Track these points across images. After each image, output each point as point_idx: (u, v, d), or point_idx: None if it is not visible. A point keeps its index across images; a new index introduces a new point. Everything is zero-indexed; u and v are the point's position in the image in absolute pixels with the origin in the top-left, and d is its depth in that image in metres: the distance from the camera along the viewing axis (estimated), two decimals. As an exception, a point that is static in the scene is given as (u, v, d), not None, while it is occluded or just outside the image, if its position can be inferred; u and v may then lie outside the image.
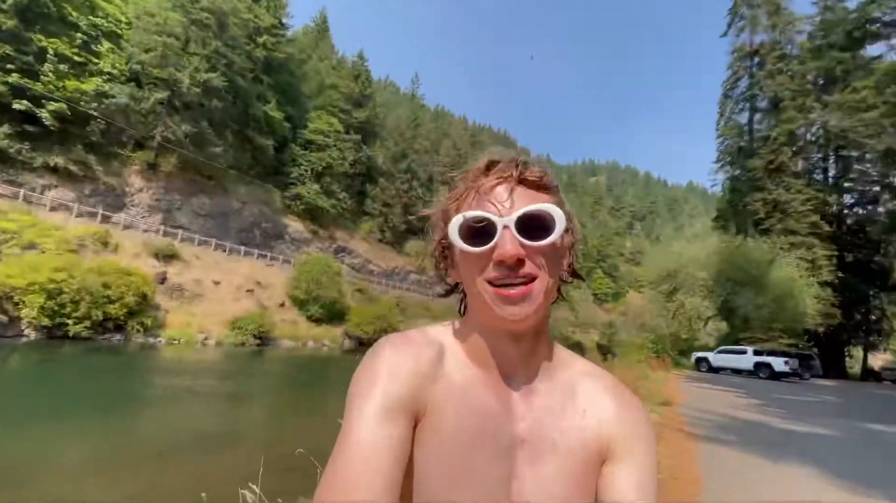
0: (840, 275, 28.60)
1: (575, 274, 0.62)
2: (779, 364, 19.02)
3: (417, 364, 0.55)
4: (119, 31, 27.51)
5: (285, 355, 23.11)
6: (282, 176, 39.74)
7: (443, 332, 0.62)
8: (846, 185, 33.22)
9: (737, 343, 23.81)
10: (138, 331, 20.14)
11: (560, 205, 0.55)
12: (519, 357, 0.57)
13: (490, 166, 0.56)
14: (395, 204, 49.98)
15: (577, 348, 56.80)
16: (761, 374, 19.35)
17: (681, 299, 28.60)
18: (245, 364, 18.74)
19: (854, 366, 36.61)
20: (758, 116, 34.82)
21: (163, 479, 5.93)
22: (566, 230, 0.56)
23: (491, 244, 0.51)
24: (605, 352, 48.64)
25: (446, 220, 0.56)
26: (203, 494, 2.16)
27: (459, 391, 0.55)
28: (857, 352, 35.48)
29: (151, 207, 29.43)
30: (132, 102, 27.14)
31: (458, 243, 0.52)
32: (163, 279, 23.70)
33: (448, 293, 0.66)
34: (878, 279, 31.72)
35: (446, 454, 0.51)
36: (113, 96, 26.15)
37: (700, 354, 22.15)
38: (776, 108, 32.01)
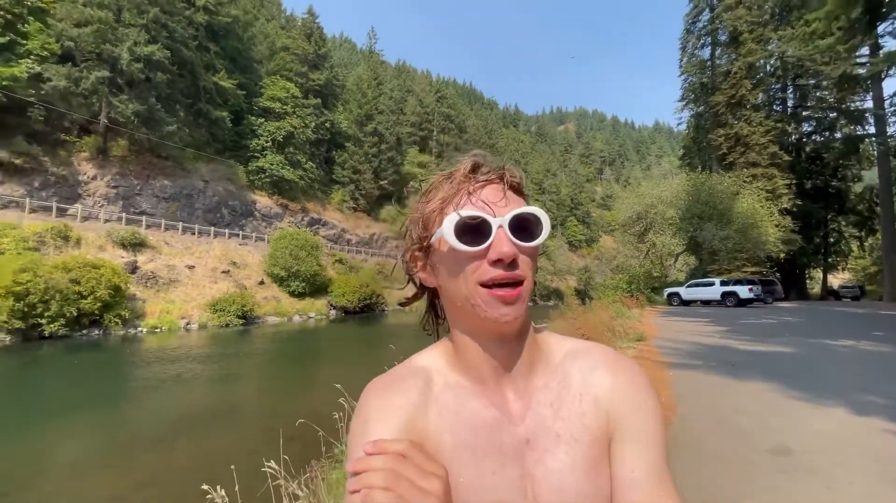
0: (799, 202, 30.02)
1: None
2: (744, 292, 20.20)
3: (405, 396, 0.56)
4: (44, 6, 25.01)
5: (272, 331, 23.19)
6: (242, 150, 38.05)
7: (427, 357, 0.62)
8: (804, 113, 34.15)
9: (705, 275, 25.05)
10: (116, 323, 19.76)
11: None
12: (507, 358, 0.57)
13: (476, 168, 0.56)
14: (366, 170, 48.91)
15: (556, 295, 58.85)
16: (728, 303, 20.57)
17: (651, 238, 29.61)
18: (232, 344, 18.76)
19: (815, 287, 39.20)
20: (719, 51, 34.88)
21: (168, 464, 6.09)
22: None
23: (487, 243, 0.51)
24: (582, 297, 50.50)
25: (426, 223, 0.57)
26: (232, 466, 2.31)
27: (452, 411, 0.56)
28: (818, 273, 37.90)
29: (109, 195, 28.06)
30: (70, 84, 25.14)
31: (454, 241, 0.51)
32: (133, 268, 23.02)
33: (413, 299, 0.67)
34: (836, 203, 33.47)
35: (451, 475, 0.51)
36: (49, 79, 24.13)
37: (671, 289, 23.24)
38: (736, 42, 32.08)
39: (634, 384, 0.58)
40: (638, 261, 30.35)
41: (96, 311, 18.87)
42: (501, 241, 0.51)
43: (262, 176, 38.20)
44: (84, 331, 18.72)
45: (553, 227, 78.95)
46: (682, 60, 37.19)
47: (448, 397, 0.57)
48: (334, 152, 48.13)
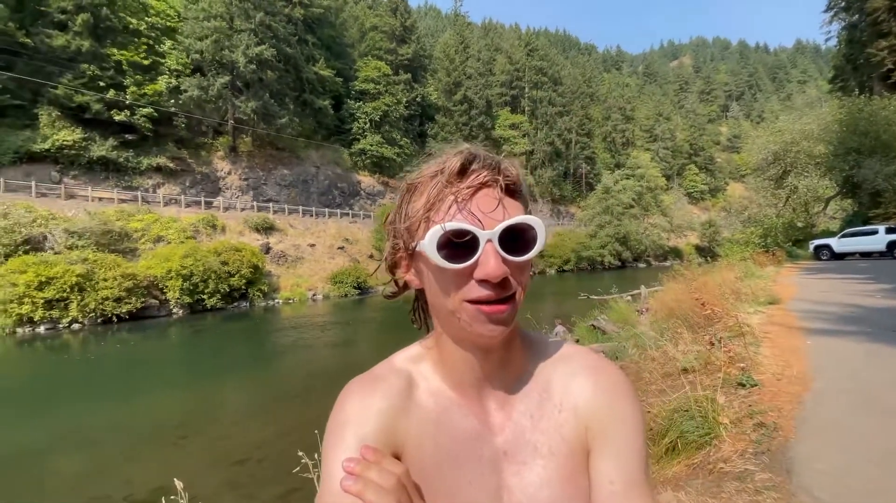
0: None
1: None
2: (920, 239, 16.39)
3: (387, 400, 0.53)
4: (172, 26, 29.03)
5: (383, 300, 25.10)
6: (344, 134, 40.72)
7: (409, 359, 0.59)
8: None
9: (866, 222, 20.77)
10: (259, 296, 23.13)
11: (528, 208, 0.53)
12: (491, 367, 0.54)
13: (464, 168, 0.49)
14: (457, 139, 48.89)
15: (674, 254, 53.85)
16: (897, 254, 16.90)
17: (793, 182, 25.27)
18: (351, 312, 20.91)
19: None
20: (887, -67, 27.27)
21: (303, 417, 7.10)
22: None
23: (472, 261, 0.46)
24: (705, 255, 45.53)
25: (409, 229, 0.51)
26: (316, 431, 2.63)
27: (434, 418, 0.54)
28: None
29: (242, 187, 32.29)
30: (202, 92, 29.04)
31: (436, 258, 0.46)
32: (267, 249, 26.49)
33: (395, 295, 0.63)
34: None
35: (429, 483, 0.50)
36: (185, 90, 28.19)
37: (819, 241, 19.71)
38: (913, -84, 24.75)
39: (614, 392, 0.55)
40: (776, 210, 26.22)
41: (243, 287, 22.27)
42: (489, 257, 0.46)
43: (364, 157, 40.63)
44: (235, 304, 22.26)
45: (667, 177, 71.51)
46: (831, -43, 30.00)
47: (430, 404, 0.55)
48: (426, 125, 48.95)
